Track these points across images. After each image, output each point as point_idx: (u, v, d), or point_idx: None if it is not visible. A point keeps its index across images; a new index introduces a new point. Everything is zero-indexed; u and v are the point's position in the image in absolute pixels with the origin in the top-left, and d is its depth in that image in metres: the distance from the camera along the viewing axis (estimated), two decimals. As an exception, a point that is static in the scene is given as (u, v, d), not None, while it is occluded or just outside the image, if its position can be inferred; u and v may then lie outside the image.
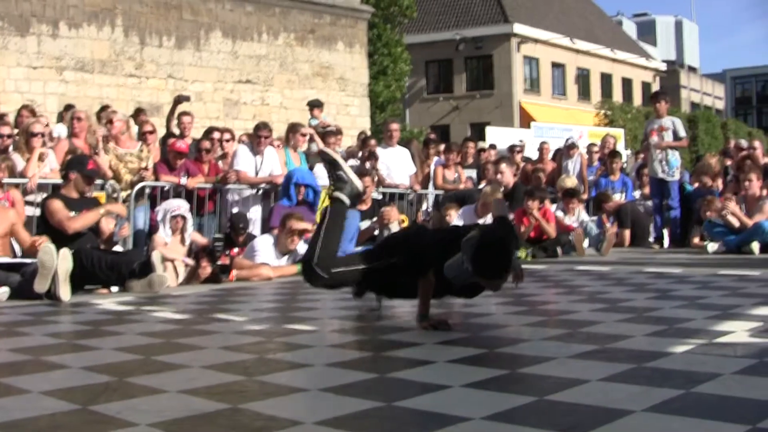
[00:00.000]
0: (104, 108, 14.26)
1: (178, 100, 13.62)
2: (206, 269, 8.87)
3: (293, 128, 12.74)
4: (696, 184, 14.38)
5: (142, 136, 11.48)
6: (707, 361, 3.91)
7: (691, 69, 78.10)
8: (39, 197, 9.76)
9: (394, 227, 11.08)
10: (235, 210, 11.29)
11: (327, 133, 13.52)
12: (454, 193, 12.83)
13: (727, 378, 3.53)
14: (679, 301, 6.19)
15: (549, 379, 3.60)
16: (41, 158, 9.96)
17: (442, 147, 15.24)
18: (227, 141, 12.50)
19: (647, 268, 9.35)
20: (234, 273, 9.02)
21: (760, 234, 11.37)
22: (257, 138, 11.72)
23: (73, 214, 8.45)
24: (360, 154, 13.75)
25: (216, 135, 12.52)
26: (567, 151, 15.65)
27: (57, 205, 8.42)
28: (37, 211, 9.54)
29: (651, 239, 13.70)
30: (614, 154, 15.54)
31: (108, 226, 8.86)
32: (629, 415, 2.98)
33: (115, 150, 10.65)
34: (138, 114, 14.30)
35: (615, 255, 11.71)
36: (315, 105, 16.19)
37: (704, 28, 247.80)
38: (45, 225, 8.49)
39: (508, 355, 4.22)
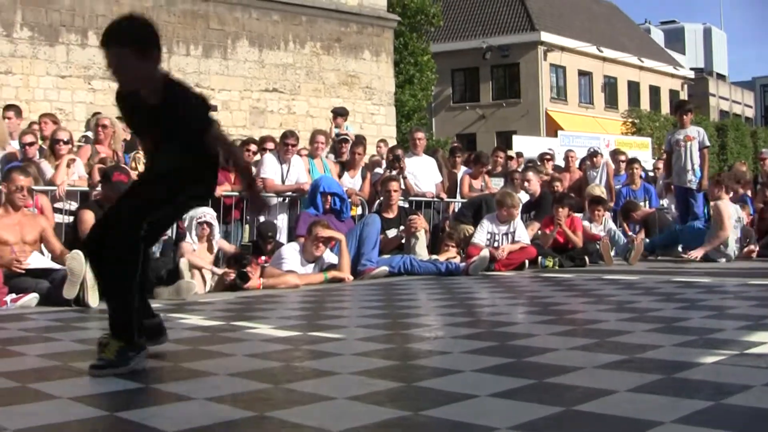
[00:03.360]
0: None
1: None
2: (230, 275, 8.90)
3: (314, 136, 12.80)
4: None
5: None
6: (737, 373, 3.87)
7: (720, 77, 77.63)
8: (67, 204, 9.84)
9: (421, 235, 11.07)
10: (261, 218, 11.31)
11: (341, 141, 13.52)
12: (469, 201, 12.79)
13: (757, 390, 3.50)
14: (709, 311, 6.14)
15: (576, 389, 3.58)
16: (69, 165, 10.02)
17: (468, 155, 15.23)
18: (254, 153, 12.48)
19: (676, 278, 9.29)
20: (261, 281, 9.01)
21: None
22: (284, 146, 11.74)
23: None
24: (384, 163, 13.74)
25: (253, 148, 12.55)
26: (591, 159, 15.60)
27: (87, 216, 8.50)
28: (66, 219, 9.62)
29: (679, 248, 13.62)
30: (633, 161, 15.48)
31: None
32: (658, 427, 2.96)
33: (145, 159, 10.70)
34: None
35: (643, 264, 11.65)
36: (339, 113, 16.17)
37: (733, 35, 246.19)
38: (75, 233, 8.57)
39: (534, 364, 4.19)
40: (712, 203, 12.33)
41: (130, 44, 4.27)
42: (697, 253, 11.75)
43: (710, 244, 11.84)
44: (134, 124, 4.78)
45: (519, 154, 19.17)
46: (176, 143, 4.40)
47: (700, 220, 13.34)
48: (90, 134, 11.36)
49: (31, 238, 8.23)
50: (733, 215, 12.06)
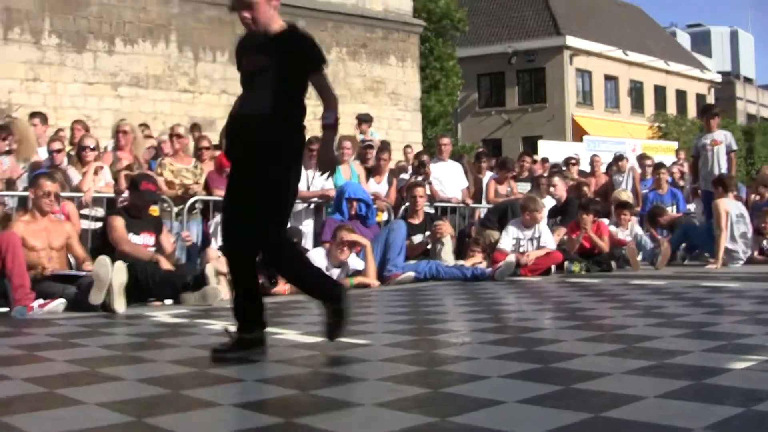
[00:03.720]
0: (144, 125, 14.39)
1: None
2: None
3: (340, 142, 12.78)
4: (755, 197, 14.20)
5: (198, 152, 11.57)
6: (767, 378, 3.84)
7: (747, 80, 77.17)
8: (93, 211, 9.89)
9: (447, 241, 11.05)
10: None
11: (366, 147, 13.51)
12: (495, 207, 12.75)
13: (787, 395, 3.46)
14: (738, 316, 6.10)
15: (604, 395, 3.55)
16: (96, 172, 10.08)
17: (494, 161, 15.21)
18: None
19: (703, 283, 9.23)
20: (288, 286, 8.99)
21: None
22: (309, 152, 11.72)
23: (131, 235, 8.56)
24: (410, 168, 13.73)
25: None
26: (616, 163, 15.54)
27: (118, 222, 8.55)
28: (92, 225, 9.68)
29: (706, 253, 13.53)
30: (659, 165, 15.39)
31: (169, 244, 8.98)
32: (687, 433, 2.93)
33: (171, 165, 10.75)
34: (194, 129, 14.41)
35: (670, 269, 11.58)
36: (363, 119, 16.16)
37: (760, 38, 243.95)
38: (103, 239, 8.61)
39: (562, 370, 4.17)
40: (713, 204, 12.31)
41: None
42: (717, 264, 11.67)
43: (720, 249, 11.79)
44: (244, 67, 5.20)
45: (545, 160, 19.12)
46: (272, 82, 4.96)
47: None
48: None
49: (58, 244, 8.29)
50: (733, 211, 12.02)
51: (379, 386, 3.91)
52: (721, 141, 13.10)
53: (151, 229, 8.81)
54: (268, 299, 8.35)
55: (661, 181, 14.74)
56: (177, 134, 11.13)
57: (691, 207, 14.99)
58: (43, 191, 8.28)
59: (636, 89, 50.60)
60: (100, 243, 8.72)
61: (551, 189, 13.06)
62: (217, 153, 11.67)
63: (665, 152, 29.32)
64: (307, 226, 11.56)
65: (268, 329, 5.04)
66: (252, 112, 4.99)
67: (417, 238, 11.12)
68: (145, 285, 7.97)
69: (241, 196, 4.98)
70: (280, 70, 4.96)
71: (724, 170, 12.96)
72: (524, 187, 14.10)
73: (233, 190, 5.09)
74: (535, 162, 16.72)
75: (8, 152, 10.12)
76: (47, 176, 8.62)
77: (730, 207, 12.06)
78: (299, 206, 11.56)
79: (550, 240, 11.20)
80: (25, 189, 9.18)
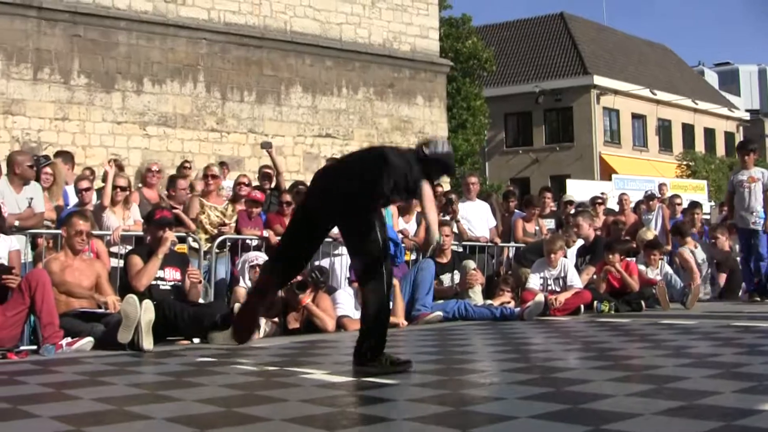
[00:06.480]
0: (184, 163, 14.47)
1: (262, 146, 13.77)
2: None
3: None
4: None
5: (236, 194, 11.57)
6: (800, 419, 3.79)
7: (776, 118, 76.86)
8: (122, 249, 9.92)
9: (477, 290, 11.01)
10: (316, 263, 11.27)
11: None
12: (533, 245, 12.70)
13: (821, 437, 3.42)
14: (769, 357, 6.03)
15: (635, 436, 3.52)
16: (124, 202, 10.13)
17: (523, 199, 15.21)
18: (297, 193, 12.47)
19: (734, 322, 9.14)
20: (308, 298, 8.99)
21: None
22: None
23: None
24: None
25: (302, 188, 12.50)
26: (646, 202, 15.49)
27: (133, 260, 8.55)
28: (121, 263, 9.70)
29: (740, 293, 13.43)
30: (694, 205, 15.39)
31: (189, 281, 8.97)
32: (719, 475, 2.90)
33: (203, 203, 10.78)
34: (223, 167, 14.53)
35: (701, 308, 11.49)
36: None
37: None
38: (126, 278, 8.64)
39: (591, 411, 4.14)
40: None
41: None
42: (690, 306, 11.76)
43: (695, 292, 11.90)
44: None
45: (570, 202, 18.98)
46: None
47: (764, 261, 13.09)
48: None
49: (88, 283, 8.31)
50: (698, 257, 12.79)
51: (406, 426, 3.89)
52: (759, 178, 12.95)
53: (176, 265, 8.81)
54: (294, 339, 8.39)
55: (695, 220, 14.79)
56: (212, 174, 11.14)
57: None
58: (75, 230, 8.32)
59: (664, 128, 50.45)
60: (125, 282, 8.73)
61: (575, 229, 13.02)
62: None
63: (694, 191, 29.23)
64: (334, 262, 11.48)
65: (297, 368, 5.04)
66: None
67: (445, 278, 11.08)
68: (173, 323, 7.98)
69: None
70: None
71: (760, 208, 12.83)
72: (549, 223, 14.08)
73: None
74: (571, 203, 16.61)
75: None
76: (80, 215, 8.66)
77: (694, 254, 12.90)
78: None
79: (576, 279, 11.14)
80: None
